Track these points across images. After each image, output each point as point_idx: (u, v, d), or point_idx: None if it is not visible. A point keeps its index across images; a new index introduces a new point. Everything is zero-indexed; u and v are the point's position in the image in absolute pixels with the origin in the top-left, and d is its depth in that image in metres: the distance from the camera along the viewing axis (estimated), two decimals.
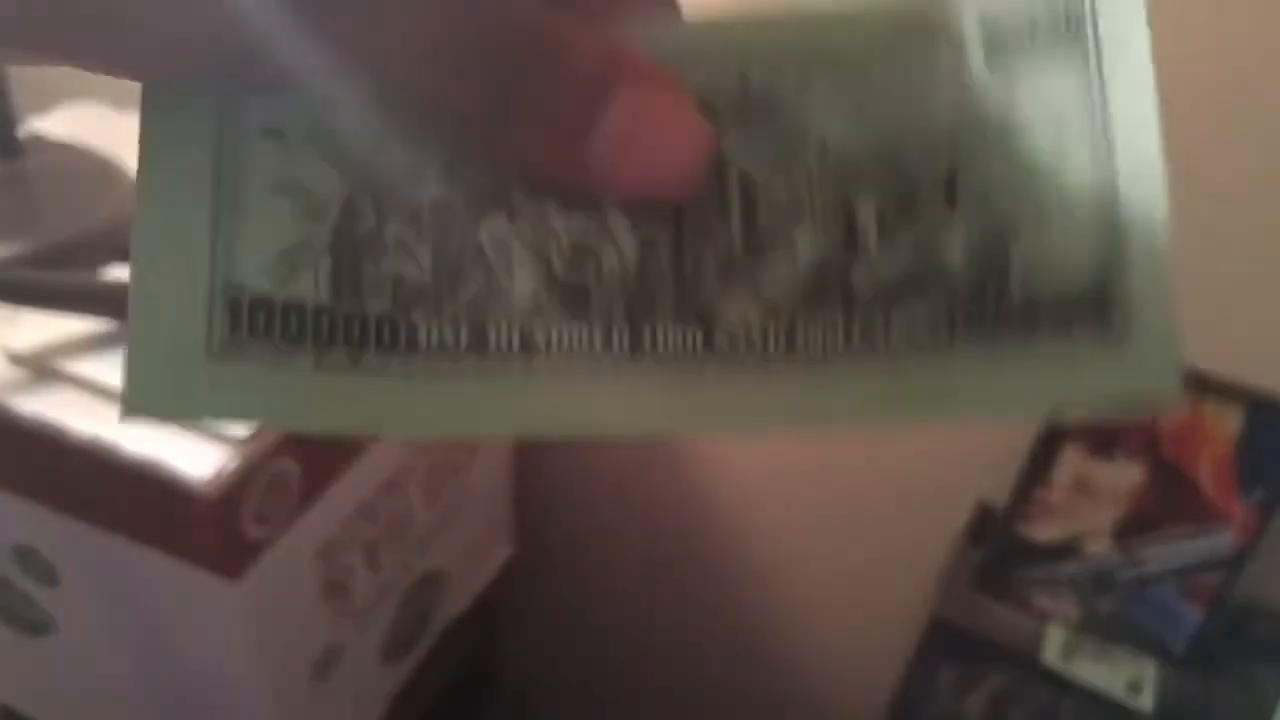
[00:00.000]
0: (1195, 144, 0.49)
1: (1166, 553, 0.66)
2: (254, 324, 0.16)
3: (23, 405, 0.41)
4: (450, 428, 0.17)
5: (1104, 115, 0.17)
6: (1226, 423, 0.62)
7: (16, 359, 0.43)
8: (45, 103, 0.63)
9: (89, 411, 0.41)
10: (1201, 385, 0.61)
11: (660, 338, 0.18)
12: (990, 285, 0.17)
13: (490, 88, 0.16)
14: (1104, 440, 0.65)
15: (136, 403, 0.16)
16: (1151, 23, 0.17)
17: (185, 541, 0.41)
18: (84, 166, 0.55)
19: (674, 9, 0.18)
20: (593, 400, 0.17)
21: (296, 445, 0.42)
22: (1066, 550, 0.68)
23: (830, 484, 0.78)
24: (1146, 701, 0.67)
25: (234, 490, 0.39)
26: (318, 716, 0.56)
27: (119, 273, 0.48)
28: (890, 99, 0.18)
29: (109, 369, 0.43)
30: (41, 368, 0.43)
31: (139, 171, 0.16)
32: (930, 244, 0.18)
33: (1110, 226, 0.17)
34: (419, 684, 0.70)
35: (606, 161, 0.16)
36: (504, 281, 0.17)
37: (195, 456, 0.39)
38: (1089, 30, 0.18)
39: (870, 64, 0.18)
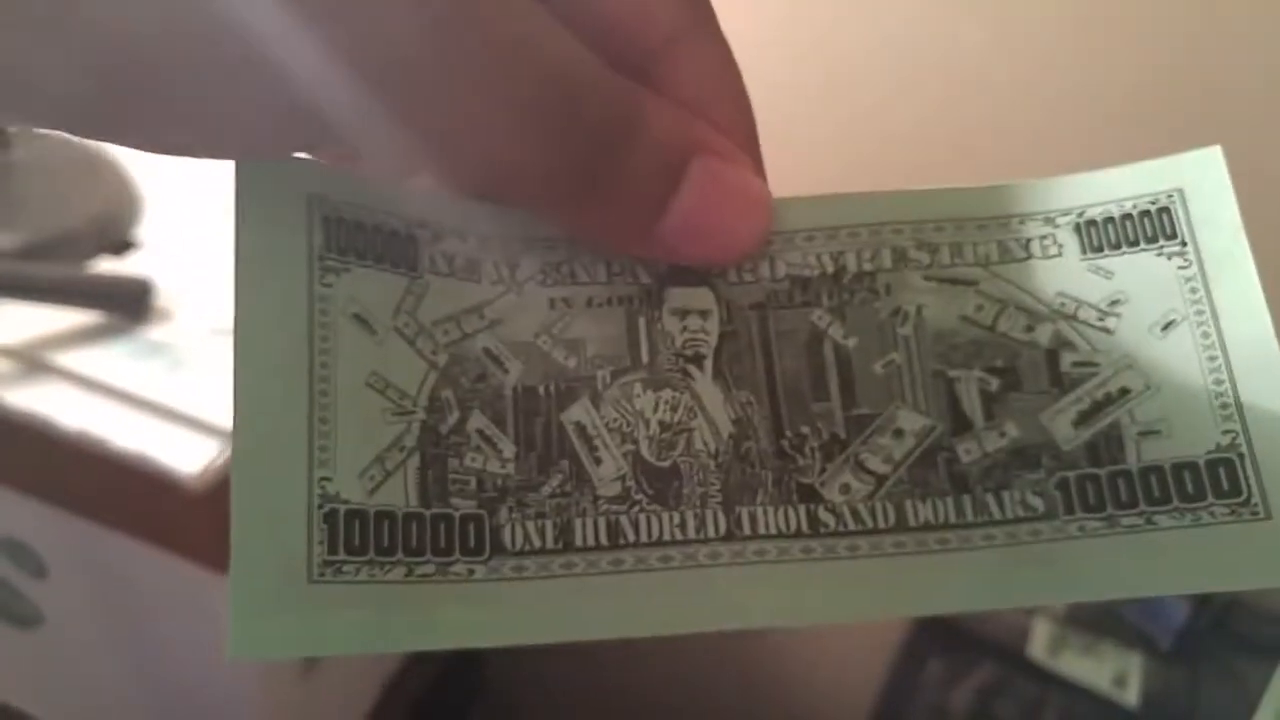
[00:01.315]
0: None
1: None
2: (349, 540, 0.16)
3: (11, 398, 0.41)
4: (538, 636, 0.16)
5: (1205, 289, 0.17)
6: None
7: (5, 352, 0.43)
8: None
9: (78, 404, 0.41)
10: None
11: (760, 520, 0.17)
12: (1104, 453, 0.17)
13: (572, 158, 0.15)
14: None
15: (244, 642, 0.15)
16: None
17: (174, 534, 0.41)
18: (71, 159, 0.55)
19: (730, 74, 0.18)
20: (686, 595, 0.16)
21: None
22: None
23: None
24: (1131, 695, 0.67)
25: (223, 482, 0.39)
26: (307, 707, 0.56)
27: (106, 266, 0.48)
28: (986, 277, 0.18)
29: (97, 362, 0.43)
30: (30, 361, 0.43)
31: (236, 355, 0.16)
32: (1036, 415, 0.17)
33: (1227, 395, 0.17)
34: (408, 675, 0.70)
35: (678, 235, 0.16)
36: (589, 470, 0.17)
37: (184, 449, 0.39)
38: (1180, 214, 0.18)
39: (964, 243, 0.18)
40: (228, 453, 0.39)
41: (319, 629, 0.15)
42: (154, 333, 0.44)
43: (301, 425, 0.16)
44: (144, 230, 0.51)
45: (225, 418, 0.41)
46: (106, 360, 0.42)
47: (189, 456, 0.39)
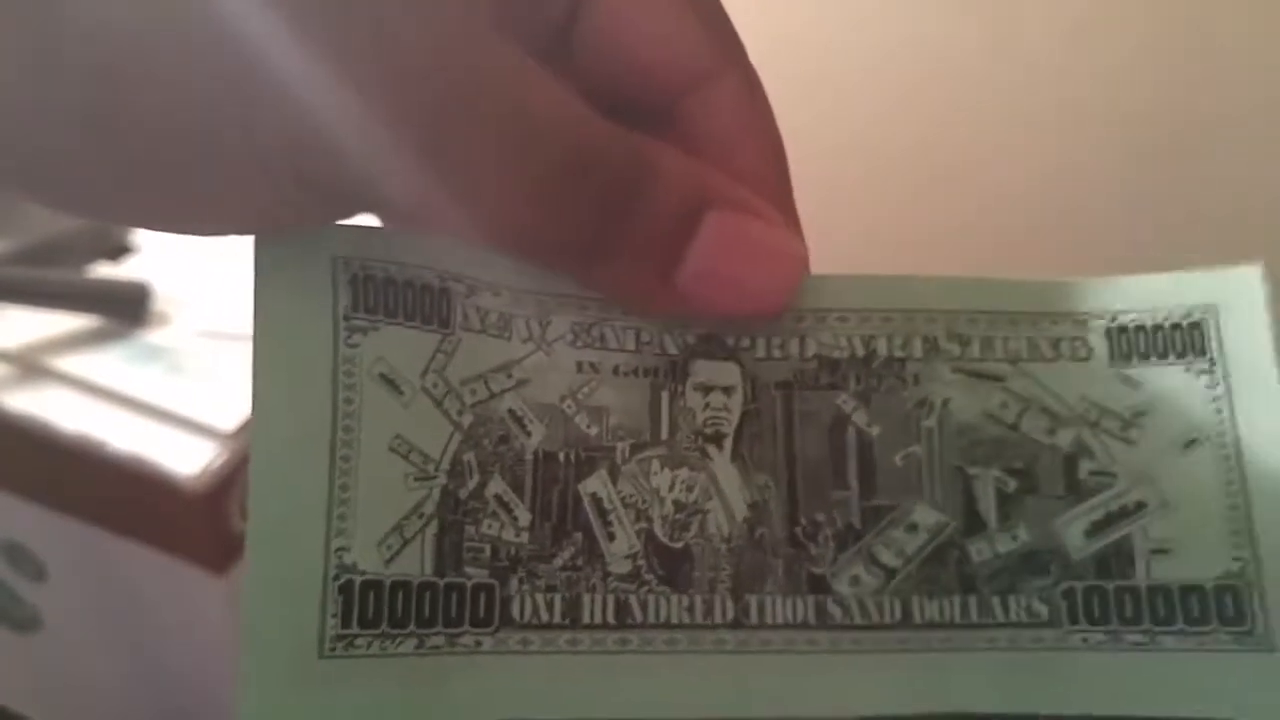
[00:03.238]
0: None
1: None
2: (363, 613, 0.15)
3: (10, 402, 0.41)
4: (541, 712, 0.16)
5: (1230, 411, 0.17)
6: None
7: (3, 356, 0.43)
8: None
9: (76, 408, 0.41)
10: None
11: (769, 610, 0.17)
12: (1113, 566, 0.17)
13: (581, 219, 0.15)
14: None
15: (253, 718, 0.15)
16: (1275, 332, 0.17)
17: (172, 536, 0.42)
18: None
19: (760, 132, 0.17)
20: (689, 680, 0.16)
21: None
22: None
23: None
24: None
25: (221, 485, 0.39)
26: None
27: (103, 270, 0.48)
28: (1013, 374, 0.18)
29: (95, 365, 0.43)
30: (28, 365, 0.43)
31: (254, 423, 0.15)
32: (1050, 520, 0.17)
33: (1240, 522, 0.17)
34: None
35: (693, 287, 0.16)
36: (602, 545, 0.17)
37: (182, 451, 0.39)
38: (1212, 332, 0.17)
39: (995, 337, 0.18)
40: (226, 455, 0.39)
41: (329, 708, 0.15)
42: (152, 336, 0.44)
43: (321, 494, 0.16)
44: (141, 234, 0.52)
45: (224, 420, 0.41)
46: (104, 364, 0.43)
47: (188, 459, 0.39)
